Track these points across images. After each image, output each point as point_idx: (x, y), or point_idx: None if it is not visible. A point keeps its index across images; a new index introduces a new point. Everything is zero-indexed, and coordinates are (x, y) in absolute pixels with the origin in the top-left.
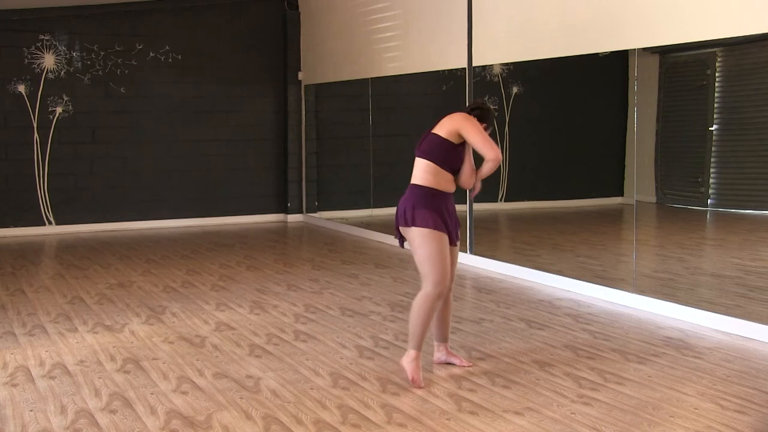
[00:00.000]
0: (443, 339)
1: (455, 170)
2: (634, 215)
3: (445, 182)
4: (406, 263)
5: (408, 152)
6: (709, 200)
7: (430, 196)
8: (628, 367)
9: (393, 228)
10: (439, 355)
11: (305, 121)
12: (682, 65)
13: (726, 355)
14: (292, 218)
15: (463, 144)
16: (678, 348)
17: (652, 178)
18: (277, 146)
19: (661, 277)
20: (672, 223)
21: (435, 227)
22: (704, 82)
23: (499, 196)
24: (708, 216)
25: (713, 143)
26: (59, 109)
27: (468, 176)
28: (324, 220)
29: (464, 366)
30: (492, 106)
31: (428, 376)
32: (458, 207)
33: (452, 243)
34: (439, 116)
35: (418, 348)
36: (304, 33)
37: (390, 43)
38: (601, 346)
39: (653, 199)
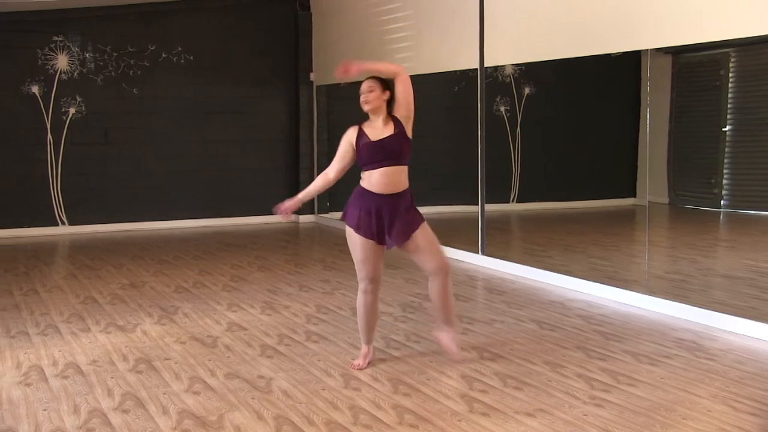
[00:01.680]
0: (446, 323)
1: (375, 165)
2: (646, 216)
3: (370, 182)
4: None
5: (420, 153)
6: (722, 201)
7: (359, 194)
8: (640, 368)
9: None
10: (438, 332)
11: (317, 122)
12: (695, 65)
13: (739, 357)
14: (304, 219)
15: (357, 149)
16: (690, 350)
17: (665, 179)
18: (288, 147)
19: (674, 278)
20: (684, 224)
21: (355, 227)
22: (717, 83)
23: (511, 197)
24: (721, 217)
25: (726, 144)
26: (72, 110)
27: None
28: (335, 220)
29: (453, 357)
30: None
31: (439, 377)
32: (470, 208)
33: (389, 246)
34: (450, 117)
35: (366, 342)
36: (316, 34)
37: (401, 43)
38: (613, 348)
39: (666, 200)
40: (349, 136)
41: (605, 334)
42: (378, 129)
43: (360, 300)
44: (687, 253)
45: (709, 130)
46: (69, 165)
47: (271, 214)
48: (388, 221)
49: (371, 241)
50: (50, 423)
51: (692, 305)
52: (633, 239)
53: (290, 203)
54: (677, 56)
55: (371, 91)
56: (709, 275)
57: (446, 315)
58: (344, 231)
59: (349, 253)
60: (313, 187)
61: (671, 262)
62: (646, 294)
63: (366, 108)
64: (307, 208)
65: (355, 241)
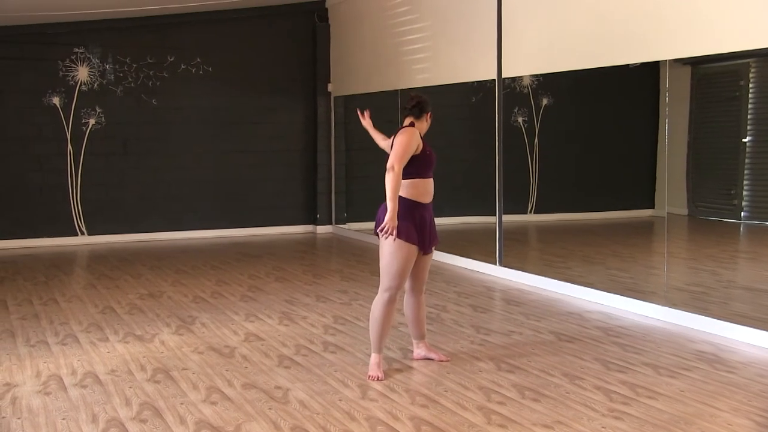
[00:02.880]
0: (420, 336)
1: (420, 175)
2: (665, 227)
3: (418, 191)
4: (434, 275)
5: (437, 164)
6: (742, 213)
7: (408, 206)
8: (659, 381)
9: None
10: (418, 351)
11: (334, 133)
12: (715, 76)
13: (760, 370)
14: (321, 229)
15: (420, 153)
16: (710, 362)
17: (684, 190)
18: (306, 157)
19: (693, 290)
20: (704, 236)
21: (407, 239)
22: (737, 93)
23: (529, 208)
24: (741, 229)
25: (746, 155)
26: (92, 121)
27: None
28: (353, 231)
29: (442, 360)
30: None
31: (456, 388)
32: (487, 219)
33: (426, 251)
34: (468, 128)
35: (378, 351)
36: (334, 45)
37: (419, 54)
38: (632, 360)
39: (685, 211)
40: (416, 137)
41: (624, 346)
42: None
43: (384, 309)
44: (707, 264)
45: (729, 141)
46: (88, 175)
47: (288, 224)
48: (428, 228)
49: (418, 251)
50: None
51: (712, 317)
52: (652, 250)
53: (393, 222)
54: (696, 67)
55: None
56: (730, 287)
57: (422, 329)
58: (361, 242)
59: (369, 263)
60: (394, 192)
61: (691, 274)
62: (665, 306)
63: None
64: (324, 218)
65: (403, 251)
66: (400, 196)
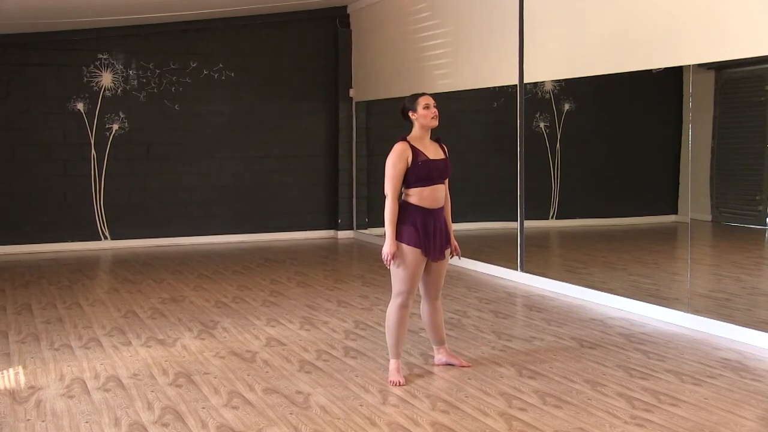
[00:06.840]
0: (440, 342)
1: (420, 184)
2: (689, 233)
3: (421, 198)
4: (456, 280)
5: (459, 169)
6: (767, 219)
7: (410, 212)
8: (683, 388)
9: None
10: (439, 356)
11: (356, 138)
12: (739, 81)
13: None
14: (343, 235)
15: (412, 165)
16: (735, 370)
17: (708, 196)
18: (328, 163)
19: (717, 297)
20: (728, 242)
21: (408, 242)
22: (762, 98)
23: (551, 214)
24: (766, 235)
25: None
26: (115, 126)
27: None
28: (374, 236)
29: (463, 366)
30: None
31: (477, 394)
32: (509, 224)
33: (434, 258)
34: (489, 133)
35: (396, 357)
36: (356, 51)
37: (441, 60)
38: (655, 367)
39: (708, 217)
40: (404, 153)
41: (647, 353)
42: (429, 148)
43: (398, 314)
44: (731, 271)
45: (754, 147)
46: (112, 180)
47: (310, 229)
48: (433, 234)
49: (423, 255)
50: None
51: (737, 324)
52: (675, 257)
53: (391, 249)
54: (720, 72)
55: (436, 107)
56: (755, 294)
57: (441, 334)
58: (382, 247)
59: (388, 269)
60: (390, 219)
61: (714, 281)
62: (688, 312)
63: (434, 123)
64: (345, 223)
65: (409, 256)
66: (404, 201)
